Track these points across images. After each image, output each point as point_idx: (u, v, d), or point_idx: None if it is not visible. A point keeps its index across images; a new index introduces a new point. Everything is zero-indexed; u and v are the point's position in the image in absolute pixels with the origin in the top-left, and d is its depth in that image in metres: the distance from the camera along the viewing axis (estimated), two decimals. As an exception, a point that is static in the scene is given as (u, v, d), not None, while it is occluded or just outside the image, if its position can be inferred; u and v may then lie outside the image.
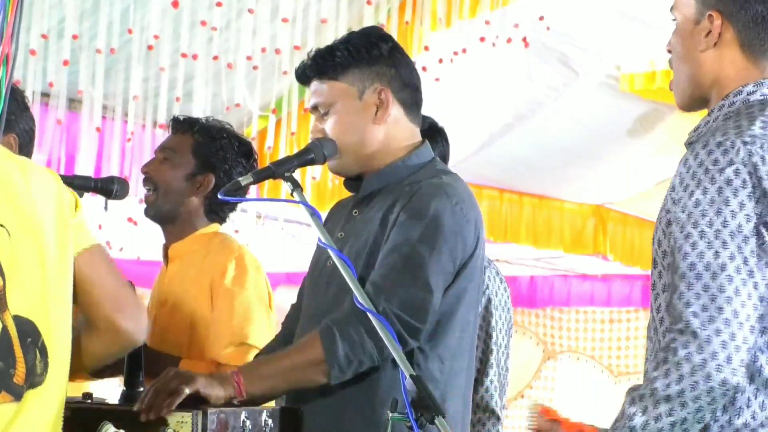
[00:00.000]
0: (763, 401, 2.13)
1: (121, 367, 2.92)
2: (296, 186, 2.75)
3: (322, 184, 6.60)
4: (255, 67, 5.81)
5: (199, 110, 5.56)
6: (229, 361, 3.32)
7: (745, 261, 2.06)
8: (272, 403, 2.93)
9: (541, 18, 6.56)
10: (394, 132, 2.94)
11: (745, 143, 2.12)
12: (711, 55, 2.30)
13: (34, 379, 2.25)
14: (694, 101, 2.36)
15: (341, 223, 2.98)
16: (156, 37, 5.50)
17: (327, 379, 2.72)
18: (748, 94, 2.26)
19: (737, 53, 2.29)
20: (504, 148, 7.95)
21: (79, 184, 3.27)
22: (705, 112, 2.35)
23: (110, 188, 3.37)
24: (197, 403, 2.58)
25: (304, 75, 2.96)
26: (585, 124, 7.88)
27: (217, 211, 3.63)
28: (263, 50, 5.77)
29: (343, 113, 2.91)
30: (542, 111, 7.66)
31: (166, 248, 3.64)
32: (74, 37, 5.33)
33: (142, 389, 2.95)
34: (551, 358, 11.10)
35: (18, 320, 2.23)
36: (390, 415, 2.42)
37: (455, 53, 6.50)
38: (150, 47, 5.53)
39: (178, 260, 3.60)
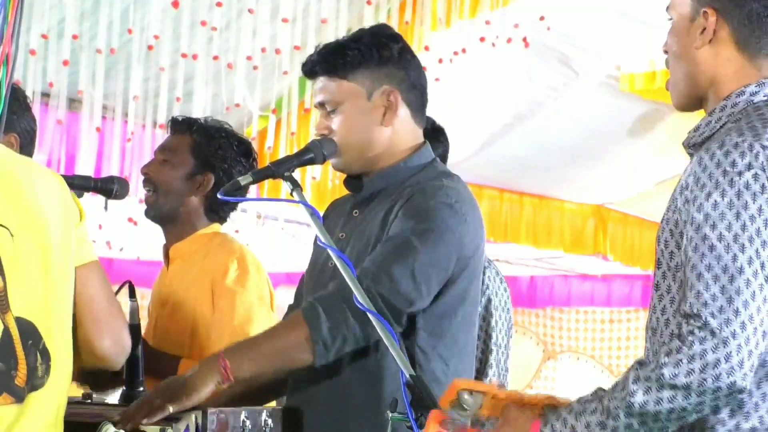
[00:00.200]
0: (771, 406, 2.14)
1: (122, 380, 2.92)
2: (296, 186, 2.74)
3: (322, 184, 6.60)
4: (255, 67, 5.81)
5: (199, 110, 5.56)
6: (229, 361, 3.31)
7: (763, 266, 2.07)
8: (273, 404, 2.93)
9: (542, 18, 6.56)
10: (399, 134, 2.93)
11: (764, 147, 2.12)
12: (707, 52, 2.30)
13: (35, 382, 2.23)
14: (691, 100, 2.36)
15: (341, 224, 2.98)
16: (156, 37, 5.49)
17: (312, 357, 2.68)
18: (751, 95, 2.26)
19: (733, 51, 2.29)
20: (504, 148, 7.95)
21: (79, 184, 3.26)
22: (704, 112, 2.35)
23: (110, 188, 3.37)
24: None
25: (312, 70, 2.93)
26: (585, 124, 7.88)
27: (218, 211, 3.63)
28: (263, 50, 5.76)
29: (350, 113, 2.89)
30: (542, 111, 7.66)
31: (166, 248, 3.64)
32: (74, 37, 5.33)
33: (142, 389, 2.96)
34: (551, 358, 11.10)
35: (19, 322, 2.21)
36: (390, 415, 2.42)
37: (455, 53, 6.50)
38: (150, 47, 5.52)
39: (179, 260, 3.60)
